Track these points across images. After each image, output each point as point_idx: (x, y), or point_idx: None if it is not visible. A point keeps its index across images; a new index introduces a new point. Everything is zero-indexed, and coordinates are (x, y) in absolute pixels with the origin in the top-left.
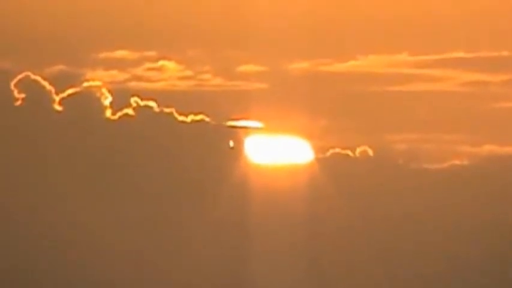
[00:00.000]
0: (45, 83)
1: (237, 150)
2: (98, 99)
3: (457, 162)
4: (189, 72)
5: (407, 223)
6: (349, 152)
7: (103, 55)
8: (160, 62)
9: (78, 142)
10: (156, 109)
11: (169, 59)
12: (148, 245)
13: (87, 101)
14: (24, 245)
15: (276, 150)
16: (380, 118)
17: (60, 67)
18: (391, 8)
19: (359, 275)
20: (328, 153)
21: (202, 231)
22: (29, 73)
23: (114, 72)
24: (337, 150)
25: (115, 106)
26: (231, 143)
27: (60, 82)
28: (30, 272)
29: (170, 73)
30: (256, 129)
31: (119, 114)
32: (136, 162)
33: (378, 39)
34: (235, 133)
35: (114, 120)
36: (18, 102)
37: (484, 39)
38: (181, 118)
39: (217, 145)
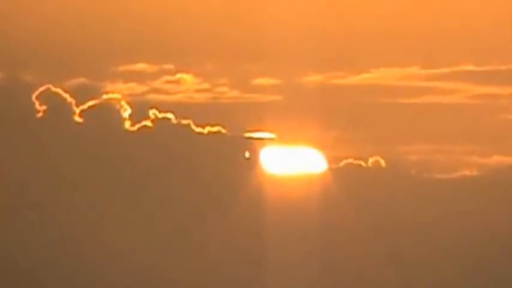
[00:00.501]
0: (66, 95)
1: (253, 160)
2: (117, 111)
3: (467, 172)
4: (206, 85)
5: (419, 232)
6: (362, 163)
7: (122, 68)
8: (178, 75)
9: (97, 153)
10: (174, 121)
11: (187, 72)
12: (166, 252)
13: (106, 113)
14: (47, 250)
15: (290, 161)
16: (392, 129)
17: (80, 80)
18: (403, 21)
19: (371, 283)
20: (342, 164)
21: (219, 238)
22: (50, 86)
23: (133, 84)
24: (350, 160)
25: (134, 118)
26: (247, 154)
27: (81, 94)
28: (52, 276)
29: (188, 86)
30: (271, 141)
31: (138, 126)
32: (155, 172)
33: (389, 53)
34: (251, 144)
35: (133, 132)
36: (40, 114)
37: (493, 53)
38: (198, 130)
39: (234, 156)
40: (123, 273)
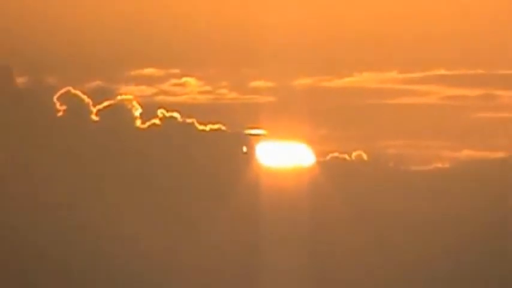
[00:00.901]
0: (84, 97)
1: (250, 155)
2: (130, 111)
3: (439, 165)
4: (208, 88)
5: (397, 217)
6: (346, 156)
7: (134, 72)
8: (184, 79)
9: (111, 147)
10: (180, 119)
11: (191, 76)
12: (173, 235)
13: (120, 112)
14: (69, 234)
15: (282, 155)
16: (373, 127)
17: (97, 83)
18: (383, 31)
19: (353, 263)
20: (328, 157)
21: (220, 221)
22: (70, 88)
23: (143, 87)
24: (336, 154)
25: (144, 117)
26: (244, 149)
27: (97, 96)
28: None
29: (192, 88)
30: (266, 137)
31: (148, 123)
32: (162, 164)
33: (370, 59)
34: (248, 140)
35: (143, 129)
36: (60, 113)
37: (462, 59)
38: (201, 127)
39: (232, 150)
40: (134, 253)
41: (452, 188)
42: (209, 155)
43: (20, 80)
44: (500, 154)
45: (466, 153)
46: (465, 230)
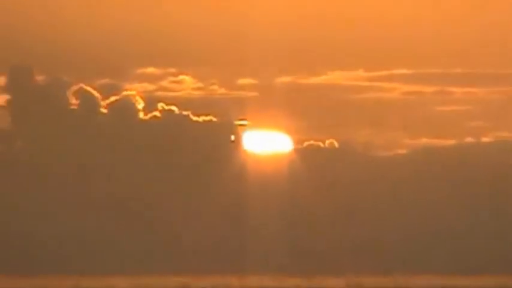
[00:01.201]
0: (94, 92)
1: (236, 142)
2: (133, 104)
3: (400, 151)
4: (200, 84)
5: (363, 195)
6: (321, 143)
7: (137, 71)
8: (180, 77)
9: (118, 136)
10: (177, 112)
11: (186, 74)
12: (170, 211)
13: (125, 106)
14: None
15: (265, 142)
16: (343, 118)
17: (106, 80)
18: (351, 34)
19: (327, 234)
20: (304, 145)
21: (211, 196)
22: (82, 85)
23: (145, 84)
24: (311, 142)
25: (146, 109)
26: (232, 137)
27: (106, 91)
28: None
29: (187, 85)
30: (250, 126)
31: (149, 115)
32: (162, 150)
33: (342, 59)
34: (235, 129)
35: (145, 120)
36: (74, 107)
37: (421, 59)
38: (195, 119)
39: (222, 138)
40: (141, 220)
41: (412, 171)
42: (202, 142)
43: (40, 78)
44: (451, 141)
45: (424, 141)
46: (421, 206)
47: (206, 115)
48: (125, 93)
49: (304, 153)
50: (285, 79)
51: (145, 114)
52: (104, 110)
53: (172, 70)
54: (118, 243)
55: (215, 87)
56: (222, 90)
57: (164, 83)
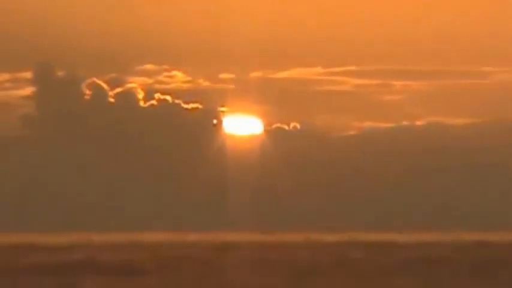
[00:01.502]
0: (104, 84)
1: (218, 125)
2: (135, 95)
3: (350, 132)
4: (189, 78)
5: (320, 168)
6: (286, 126)
7: (138, 68)
8: (173, 72)
9: (123, 120)
10: (170, 101)
11: (178, 70)
12: (163, 177)
13: (128, 96)
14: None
15: (240, 125)
16: (305, 106)
17: (113, 75)
18: (313, 36)
19: (292, 199)
20: (273, 127)
21: (196, 170)
22: (94, 78)
23: (144, 78)
24: (278, 125)
25: (145, 99)
26: (214, 121)
27: (113, 84)
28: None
29: (178, 79)
30: (229, 113)
31: (148, 103)
32: (158, 132)
33: (304, 58)
34: (217, 115)
35: (145, 107)
36: (87, 97)
37: (367, 57)
38: (185, 106)
39: (206, 122)
40: (133, 193)
41: (359, 148)
42: (190, 125)
43: (60, 73)
44: (391, 124)
45: (368, 124)
46: (368, 178)
47: (194, 103)
48: (128, 85)
49: (272, 134)
50: (257, 74)
51: (145, 102)
52: (112, 99)
53: (166, 67)
54: (121, 201)
55: (201, 80)
56: (207, 83)
57: (160, 77)
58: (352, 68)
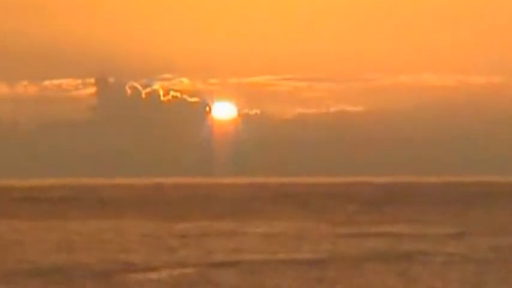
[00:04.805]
0: (139, 86)
1: (209, 111)
2: (158, 93)
3: (288, 116)
4: (190, 82)
5: (271, 137)
6: (250, 112)
7: (161, 76)
8: (181, 78)
9: (151, 108)
10: (180, 96)
11: (184, 77)
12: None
13: (154, 94)
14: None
15: (224, 111)
16: (263, 100)
17: (143, 80)
18: (273, 47)
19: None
20: (242, 112)
21: (188, 145)
22: (133, 82)
23: (163, 83)
24: (246, 111)
25: (164, 95)
26: (208, 108)
27: (144, 86)
28: None
29: (185, 83)
30: (216, 103)
31: (166, 98)
32: (172, 115)
33: (269, 65)
34: (209, 104)
35: (164, 101)
36: (128, 94)
37: (327, 67)
38: (190, 100)
39: (202, 109)
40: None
41: (298, 129)
42: (192, 111)
43: (110, 80)
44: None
45: (299, 110)
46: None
47: (194, 97)
48: (154, 87)
49: (242, 117)
50: (233, 79)
51: (164, 97)
52: (144, 96)
53: (178, 75)
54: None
55: (199, 83)
56: (202, 85)
57: (173, 81)
58: (290, 75)
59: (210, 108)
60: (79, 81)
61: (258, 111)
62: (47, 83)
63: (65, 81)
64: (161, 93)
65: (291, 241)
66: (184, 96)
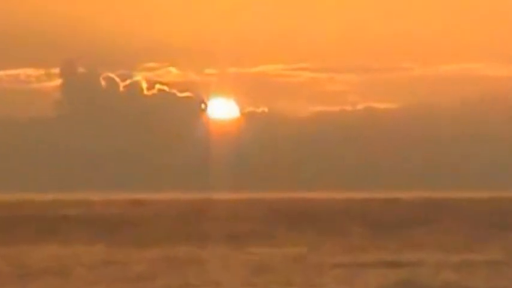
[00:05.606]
0: (116, 78)
1: (204, 109)
2: (141, 85)
3: (305, 114)
4: (182, 73)
5: (285, 141)
6: (256, 109)
7: (143, 65)
8: (169, 68)
9: (132, 103)
10: (167, 90)
11: (173, 67)
12: (158, 152)
13: (136, 86)
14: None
15: (221, 108)
16: (271, 93)
17: (123, 71)
18: (278, 39)
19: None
20: (246, 110)
21: (187, 140)
22: (108, 73)
23: (148, 73)
24: (251, 109)
25: (148, 88)
26: (203, 106)
27: (123, 78)
28: None
29: (174, 73)
30: (212, 98)
31: (150, 92)
32: (157, 114)
33: (279, 52)
34: (204, 101)
35: (148, 95)
36: (103, 87)
37: (316, 56)
38: (180, 95)
39: (195, 106)
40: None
41: (311, 126)
42: (183, 108)
43: (80, 70)
44: (337, 108)
45: (318, 108)
46: (319, 147)
47: (185, 92)
48: (135, 78)
49: (246, 116)
50: (233, 69)
51: (148, 91)
52: (123, 89)
53: (165, 64)
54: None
55: (191, 74)
56: (195, 77)
57: (159, 72)
58: (306, 65)
59: (205, 106)
60: (41, 71)
61: (266, 109)
62: (1, 73)
63: (23, 71)
64: (144, 86)
65: (285, 274)
66: (173, 90)
